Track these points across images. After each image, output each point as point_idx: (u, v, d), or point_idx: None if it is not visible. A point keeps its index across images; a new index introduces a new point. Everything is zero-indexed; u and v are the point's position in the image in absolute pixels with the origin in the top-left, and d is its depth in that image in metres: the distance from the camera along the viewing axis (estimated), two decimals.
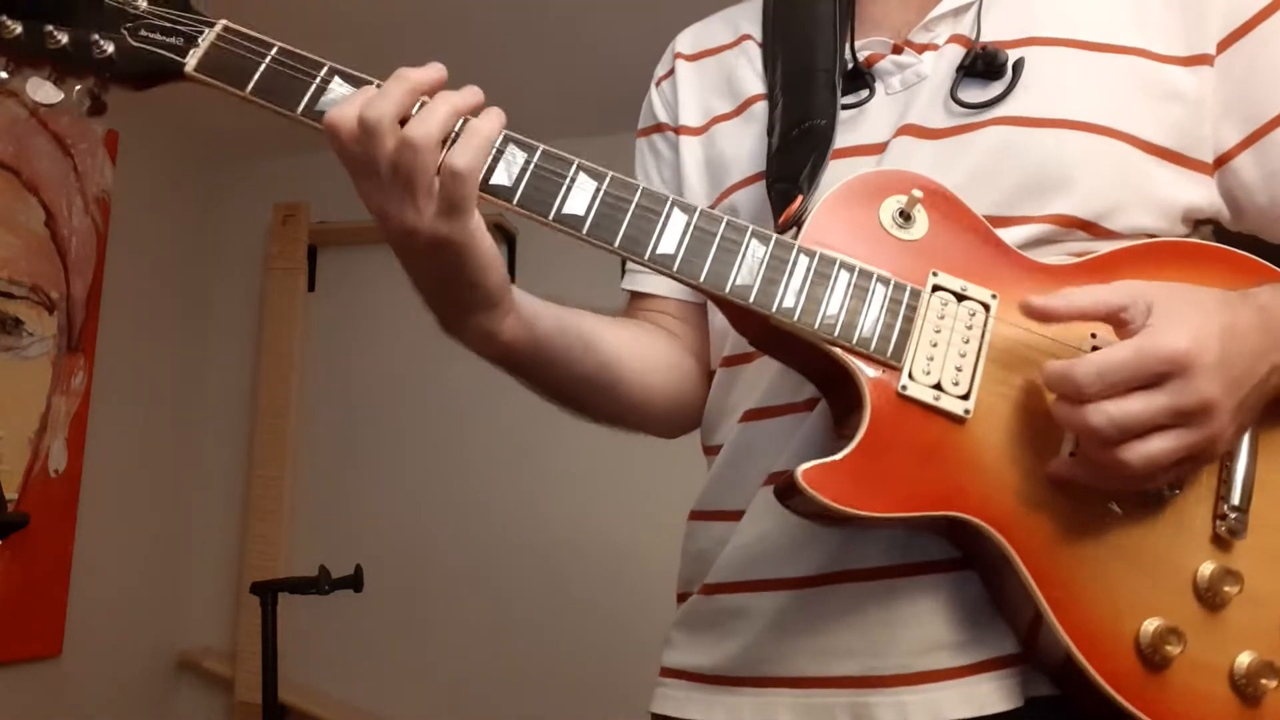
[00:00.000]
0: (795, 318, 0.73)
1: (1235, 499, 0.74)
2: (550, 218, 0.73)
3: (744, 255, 0.74)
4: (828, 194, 0.78)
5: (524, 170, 0.74)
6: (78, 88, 0.75)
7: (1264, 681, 0.70)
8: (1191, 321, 0.67)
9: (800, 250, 0.75)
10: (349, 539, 2.96)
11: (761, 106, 0.91)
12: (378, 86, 0.73)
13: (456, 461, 3.02)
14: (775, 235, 0.76)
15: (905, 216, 0.77)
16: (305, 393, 3.15)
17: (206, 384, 3.24)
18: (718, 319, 0.93)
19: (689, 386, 0.97)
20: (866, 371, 0.73)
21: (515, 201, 0.73)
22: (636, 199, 0.75)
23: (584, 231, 0.73)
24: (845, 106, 0.87)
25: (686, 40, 1.03)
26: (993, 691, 0.74)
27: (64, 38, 0.75)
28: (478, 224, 0.72)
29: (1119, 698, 0.69)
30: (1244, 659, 0.71)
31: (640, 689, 0.93)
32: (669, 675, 0.89)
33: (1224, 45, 0.81)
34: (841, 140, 0.85)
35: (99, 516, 2.77)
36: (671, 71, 1.02)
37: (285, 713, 2.76)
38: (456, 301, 0.77)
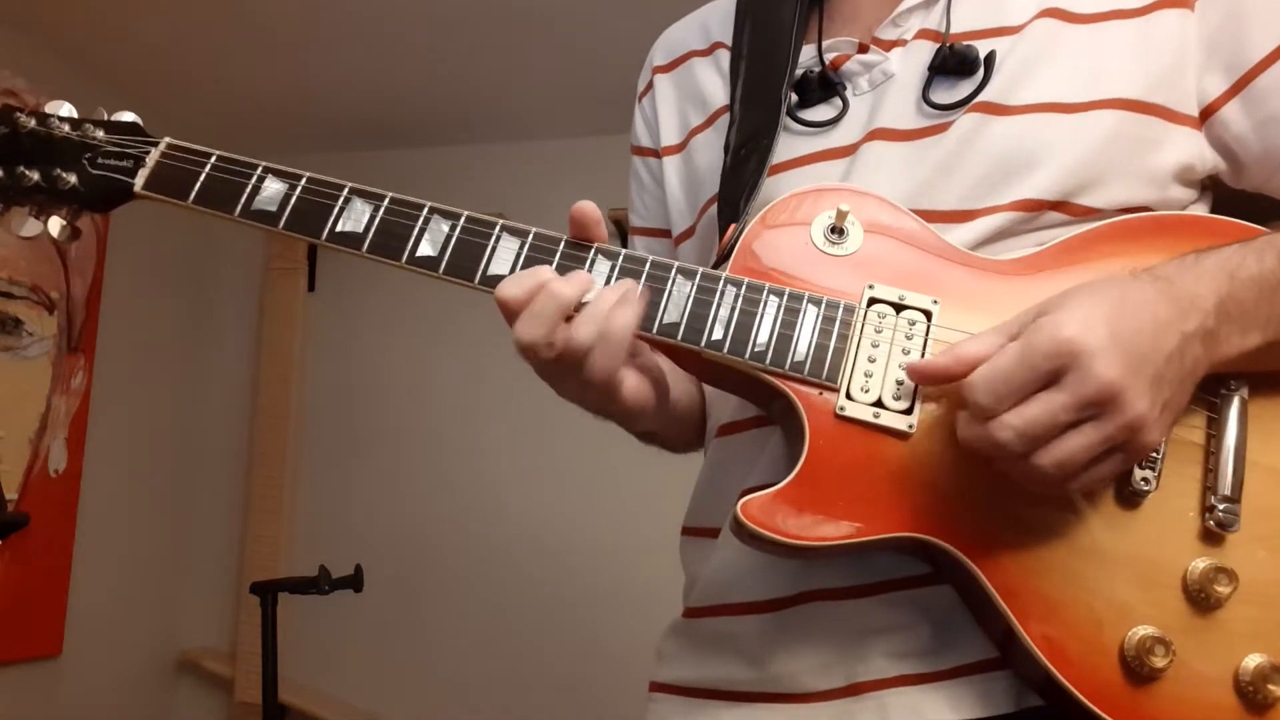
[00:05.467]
0: (725, 350, 0.72)
1: (1225, 488, 0.68)
2: (476, 281, 0.75)
3: (670, 292, 0.74)
4: (754, 219, 0.77)
5: (448, 239, 0.76)
6: (52, 218, 0.85)
7: (1272, 687, 0.65)
8: (1076, 310, 0.64)
9: (727, 281, 0.74)
10: (349, 539, 2.96)
11: (725, 119, 0.90)
12: (306, 181, 0.80)
13: (456, 461, 3.02)
14: (701, 269, 0.75)
15: (837, 231, 0.75)
16: (305, 393, 3.15)
17: (206, 384, 3.24)
18: None
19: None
20: (804, 395, 0.71)
21: (440, 269, 0.76)
22: (560, 251, 0.75)
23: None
24: (818, 124, 0.86)
25: (661, 50, 1.03)
26: (978, 695, 0.72)
27: (35, 175, 0.83)
28: (630, 390, 0.75)
29: (1107, 718, 0.65)
30: (1250, 662, 0.66)
31: (641, 690, 0.92)
32: (659, 690, 0.88)
33: None
34: (809, 146, 0.85)
35: (99, 516, 2.77)
36: (650, 86, 1.02)
37: (285, 713, 2.75)
38: (611, 419, 0.82)
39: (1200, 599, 0.67)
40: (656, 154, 0.99)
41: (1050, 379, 0.62)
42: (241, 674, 2.90)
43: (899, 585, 0.74)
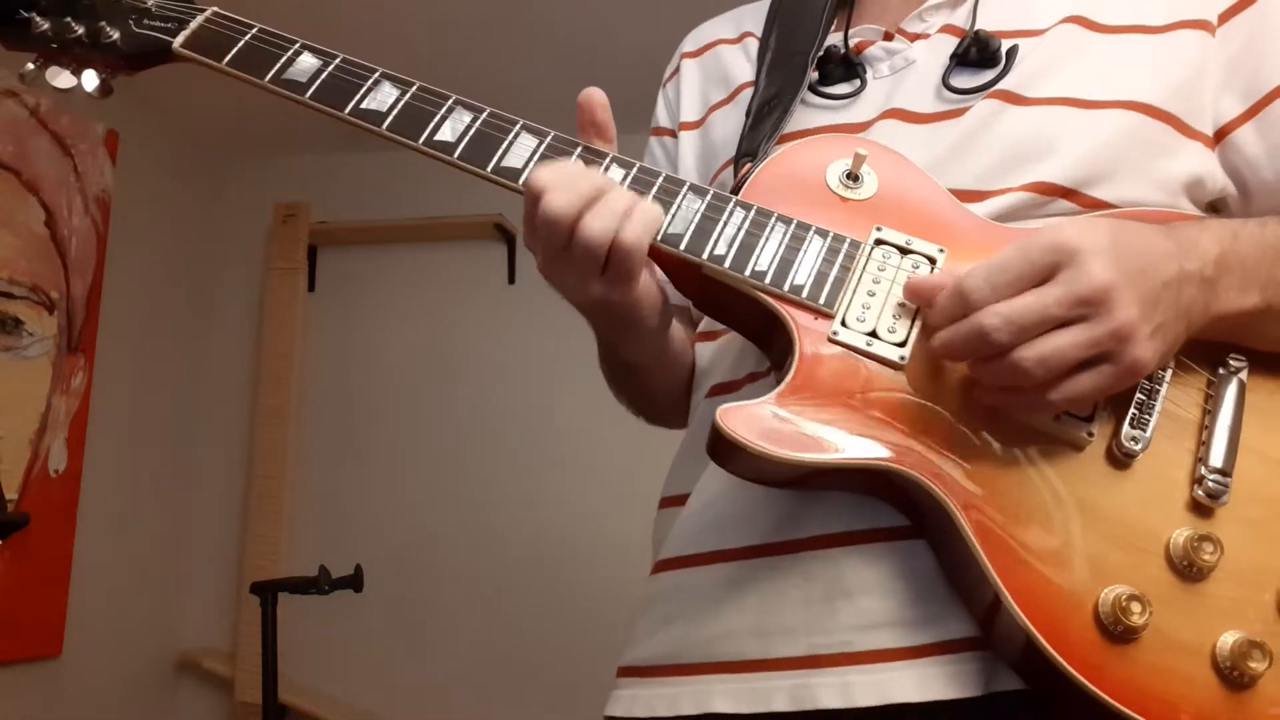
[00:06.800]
0: (726, 265, 0.73)
1: (1216, 460, 0.68)
2: (489, 169, 0.77)
3: (679, 207, 0.75)
4: (771, 156, 0.79)
5: (468, 129, 0.79)
6: (87, 71, 0.88)
7: (1252, 665, 0.63)
8: (1076, 224, 0.66)
9: (737, 203, 0.75)
10: (349, 539, 2.96)
11: (749, 92, 0.93)
12: (340, 61, 0.82)
13: (456, 461, 3.02)
14: (713, 190, 0.76)
15: (853, 178, 0.77)
16: (305, 393, 3.15)
17: (206, 384, 3.24)
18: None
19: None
20: (797, 317, 0.72)
21: (455, 154, 0.78)
22: (576, 154, 0.77)
23: (519, 183, 0.76)
24: (837, 97, 0.87)
25: (692, 39, 1.06)
26: (947, 676, 0.69)
27: (80, 28, 0.86)
28: (644, 283, 0.74)
29: (1077, 675, 0.63)
30: (1228, 638, 0.64)
31: None
32: (622, 674, 0.86)
33: (1225, 16, 0.80)
34: (823, 120, 0.86)
35: (99, 516, 2.77)
36: (677, 70, 1.04)
37: (285, 713, 2.76)
38: (610, 329, 0.82)
39: (1184, 567, 0.66)
40: (674, 133, 1.01)
41: (1046, 274, 0.63)
42: (241, 674, 2.90)
43: (879, 536, 0.72)
